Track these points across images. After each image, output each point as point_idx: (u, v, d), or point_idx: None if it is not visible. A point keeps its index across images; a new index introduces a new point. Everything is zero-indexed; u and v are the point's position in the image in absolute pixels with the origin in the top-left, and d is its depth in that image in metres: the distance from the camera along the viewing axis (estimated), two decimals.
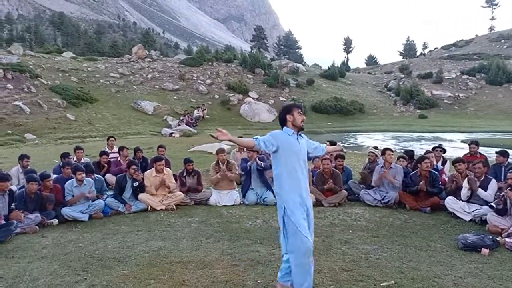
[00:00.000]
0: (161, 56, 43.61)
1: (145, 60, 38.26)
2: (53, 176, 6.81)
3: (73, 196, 6.10)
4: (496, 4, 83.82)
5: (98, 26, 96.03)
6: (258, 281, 3.68)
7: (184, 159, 7.31)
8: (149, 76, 33.76)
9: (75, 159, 8.07)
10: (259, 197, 6.91)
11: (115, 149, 9.07)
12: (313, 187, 6.79)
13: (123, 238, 5.08)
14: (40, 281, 3.77)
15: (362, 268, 3.97)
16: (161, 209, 6.47)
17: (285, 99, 32.81)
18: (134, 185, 6.63)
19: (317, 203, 6.62)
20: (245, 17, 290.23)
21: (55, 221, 5.80)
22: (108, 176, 7.77)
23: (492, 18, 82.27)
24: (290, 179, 3.18)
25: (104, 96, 28.09)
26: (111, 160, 8.49)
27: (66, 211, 5.90)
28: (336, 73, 43.16)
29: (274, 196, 6.76)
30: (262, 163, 7.04)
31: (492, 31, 76.13)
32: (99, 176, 7.19)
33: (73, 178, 6.25)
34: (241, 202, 6.91)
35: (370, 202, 6.59)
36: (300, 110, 3.32)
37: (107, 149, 9.10)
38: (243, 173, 7.78)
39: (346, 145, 17.43)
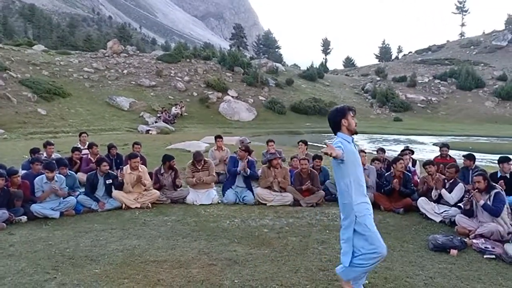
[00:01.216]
0: (138, 52, 42.65)
1: (120, 55, 37.37)
2: (22, 172, 6.58)
3: (43, 192, 5.88)
4: (466, 11, 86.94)
5: (72, 20, 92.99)
6: (235, 281, 3.66)
7: (164, 156, 7.15)
8: (125, 71, 33.03)
9: (45, 155, 7.79)
10: (239, 196, 6.87)
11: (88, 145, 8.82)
12: (291, 187, 6.84)
13: (96, 236, 4.95)
14: (6, 280, 3.64)
15: None
16: (136, 207, 6.34)
17: (264, 98, 32.89)
18: (107, 182, 6.45)
19: (295, 203, 6.67)
20: (224, 15, 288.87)
21: (24, 218, 5.61)
22: (79, 174, 7.53)
23: (462, 25, 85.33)
24: (359, 188, 3.12)
25: (77, 91, 27.23)
26: (83, 156, 8.25)
27: (35, 208, 5.70)
28: (314, 74, 43.66)
29: (253, 196, 6.81)
30: (249, 171, 6.99)
31: (462, 37, 78.95)
32: (71, 172, 6.99)
33: (43, 174, 6.03)
34: (219, 201, 6.86)
35: None
36: (353, 113, 3.18)
37: (79, 145, 8.84)
38: (222, 172, 7.72)
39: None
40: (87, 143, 8.95)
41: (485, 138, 23.61)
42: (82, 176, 7.41)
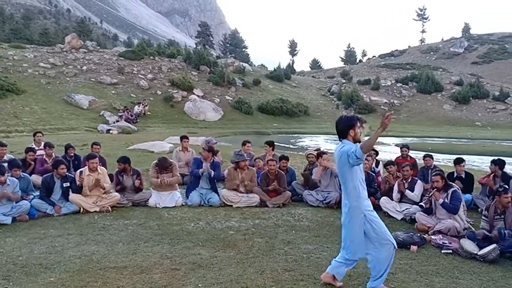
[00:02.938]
0: (98, 47, 41.12)
1: (79, 51, 35.88)
2: None
3: None
4: (426, 18, 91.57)
5: (26, 11, 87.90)
6: (199, 285, 3.58)
7: (119, 158, 6.85)
8: (84, 68, 31.74)
9: None
10: (203, 198, 6.73)
11: (43, 145, 8.35)
12: (257, 188, 6.81)
13: (51, 242, 4.69)
14: None
15: (303, 267, 4.05)
16: (95, 211, 6.06)
17: (231, 98, 32.76)
18: (64, 185, 6.11)
19: (262, 204, 6.65)
20: (189, 12, 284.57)
21: None
22: (33, 177, 7.09)
23: (423, 31, 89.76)
24: (362, 190, 3.41)
25: (32, 87, 25.82)
26: (38, 157, 7.79)
27: None
28: (282, 75, 44.09)
29: (219, 197, 6.71)
30: (213, 172, 6.85)
31: (423, 43, 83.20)
32: (25, 174, 6.56)
33: None
34: (183, 204, 6.68)
35: (312, 203, 6.76)
36: (360, 124, 3.44)
37: (34, 146, 8.35)
38: (186, 174, 7.52)
39: (291, 147, 17.86)
40: (43, 143, 8.48)
41: (444, 139, 24.86)
42: (36, 179, 6.98)
